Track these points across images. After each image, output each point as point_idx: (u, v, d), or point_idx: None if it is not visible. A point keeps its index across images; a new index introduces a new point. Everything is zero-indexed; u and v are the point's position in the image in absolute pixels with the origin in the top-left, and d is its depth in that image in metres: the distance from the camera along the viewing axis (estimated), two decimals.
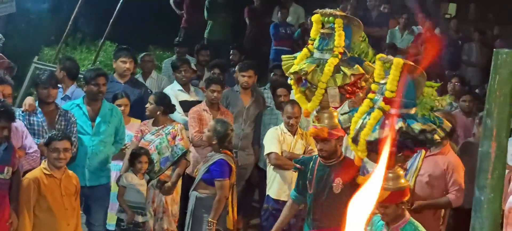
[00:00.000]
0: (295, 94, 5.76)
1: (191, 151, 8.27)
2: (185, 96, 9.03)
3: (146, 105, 8.05)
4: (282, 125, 8.09)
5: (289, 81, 5.90)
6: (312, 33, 5.69)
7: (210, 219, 7.36)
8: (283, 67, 5.84)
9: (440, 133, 4.71)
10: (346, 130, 5.01)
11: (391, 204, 5.01)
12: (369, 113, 4.78)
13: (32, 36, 15.07)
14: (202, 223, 7.46)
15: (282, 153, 7.96)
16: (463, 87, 10.01)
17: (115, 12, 13.06)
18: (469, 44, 14.17)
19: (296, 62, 5.66)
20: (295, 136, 8.05)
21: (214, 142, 7.53)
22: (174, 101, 8.80)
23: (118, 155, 8.03)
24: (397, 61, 4.70)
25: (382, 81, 4.81)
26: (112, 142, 7.76)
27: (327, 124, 5.91)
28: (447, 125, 4.78)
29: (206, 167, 7.51)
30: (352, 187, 6.00)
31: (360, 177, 5.29)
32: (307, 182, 6.45)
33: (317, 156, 6.45)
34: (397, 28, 14.15)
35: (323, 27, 5.66)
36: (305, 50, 5.71)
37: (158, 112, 7.93)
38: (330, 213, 6.23)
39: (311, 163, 6.45)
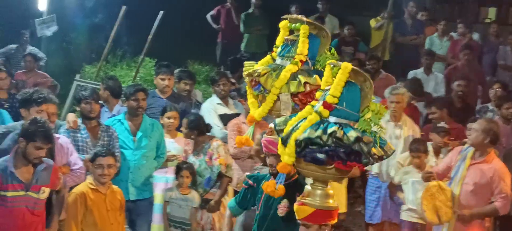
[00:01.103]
0: (248, 99, 5.26)
1: (234, 164, 8.33)
2: (224, 110, 9.08)
3: (181, 128, 8.15)
4: None
5: (246, 86, 5.37)
6: (278, 40, 5.26)
7: None
8: (244, 73, 5.34)
9: (379, 151, 4.27)
10: (279, 132, 4.57)
11: (313, 224, 4.53)
12: (306, 118, 4.41)
13: (74, 55, 15.29)
14: None
15: None
16: (505, 93, 9.89)
17: (154, 28, 13.18)
18: (504, 48, 14.00)
19: (256, 67, 5.20)
20: None
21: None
22: (213, 115, 8.87)
23: (161, 167, 8.11)
24: (345, 65, 4.30)
25: (327, 88, 4.43)
26: (154, 156, 7.84)
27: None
28: (390, 148, 4.33)
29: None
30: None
31: (266, 182, 4.78)
32: (257, 201, 6.07)
33: (270, 174, 5.97)
34: (436, 35, 14.07)
35: (291, 33, 5.23)
36: (268, 57, 5.31)
37: (192, 136, 8.01)
38: None
39: (264, 180, 5.88)
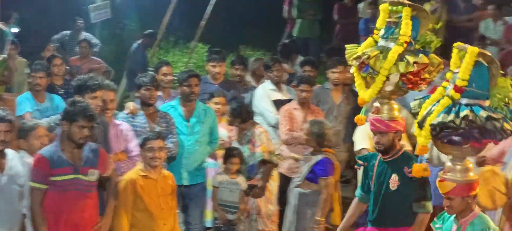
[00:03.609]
0: (356, 81, 5.58)
1: (283, 150, 8.36)
2: (278, 95, 9.07)
3: (225, 115, 8.20)
4: None
5: (351, 70, 5.70)
6: (378, 22, 5.55)
7: (318, 218, 7.45)
8: (346, 56, 5.67)
9: (511, 125, 4.59)
10: (415, 115, 4.93)
11: (456, 196, 4.93)
12: (439, 101, 4.73)
13: (127, 41, 15.45)
14: (306, 218, 7.55)
15: (374, 148, 7.92)
16: None
17: (206, 14, 13.24)
18: None
19: (360, 50, 5.52)
20: None
21: (313, 144, 7.62)
22: (266, 101, 8.90)
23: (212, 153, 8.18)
24: (472, 49, 4.62)
25: (456, 70, 4.73)
26: (207, 142, 7.88)
27: (386, 116, 5.75)
28: None
29: (309, 167, 7.60)
30: (409, 183, 5.95)
31: (415, 166, 5.04)
32: (369, 179, 6.31)
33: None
34: (490, 19, 13.84)
35: (389, 17, 5.50)
36: (369, 39, 5.58)
37: (236, 124, 8.05)
38: (387, 211, 6.13)
39: (373, 159, 6.26)
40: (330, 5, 15.15)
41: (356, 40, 14.37)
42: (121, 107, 8.45)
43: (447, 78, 4.80)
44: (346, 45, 5.77)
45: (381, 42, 5.43)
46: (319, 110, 8.69)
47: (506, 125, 4.57)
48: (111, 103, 7.08)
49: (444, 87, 4.77)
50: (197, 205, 7.85)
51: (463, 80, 4.61)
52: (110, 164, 6.53)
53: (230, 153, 7.85)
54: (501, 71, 4.76)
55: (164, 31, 13.95)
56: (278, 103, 8.89)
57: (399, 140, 6.14)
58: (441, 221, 5.26)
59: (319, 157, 7.60)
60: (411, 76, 5.33)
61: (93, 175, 6.24)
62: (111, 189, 6.54)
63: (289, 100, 8.89)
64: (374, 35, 5.53)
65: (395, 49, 5.26)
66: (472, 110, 4.56)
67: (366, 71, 5.41)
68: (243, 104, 8.24)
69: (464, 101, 4.63)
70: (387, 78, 5.32)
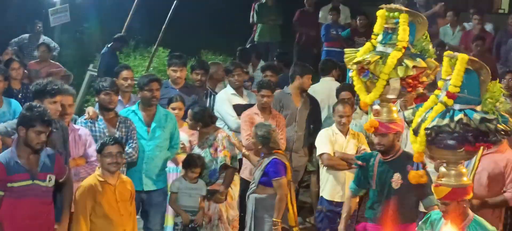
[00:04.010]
0: (355, 86, 5.76)
1: (246, 154, 8.38)
2: (238, 100, 9.10)
3: (186, 120, 8.17)
4: (334, 126, 8.11)
5: (350, 74, 5.92)
6: (376, 27, 5.72)
7: (274, 219, 7.48)
8: (345, 60, 5.87)
9: (505, 126, 4.77)
10: (409, 123, 5.11)
11: (451, 201, 5.09)
12: (432, 108, 4.90)
13: (86, 45, 15.33)
14: (264, 224, 7.58)
15: (334, 153, 7.98)
16: None
17: (167, 19, 13.19)
18: None
19: (359, 55, 5.71)
20: (347, 136, 8.07)
21: (260, 147, 7.67)
22: (227, 105, 8.90)
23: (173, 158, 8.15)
24: (462, 56, 4.79)
25: (448, 78, 4.89)
26: (167, 147, 7.85)
27: (386, 118, 5.88)
28: None
29: (261, 170, 7.63)
30: (415, 185, 6.10)
31: (412, 172, 5.30)
32: (369, 178, 6.62)
33: (377, 152, 6.61)
34: (448, 25, 14.01)
35: (386, 22, 5.69)
36: (368, 44, 5.75)
37: (198, 128, 8.04)
38: (391, 209, 6.40)
39: (372, 159, 6.60)
40: (292, 10, 15.20)
41: (317, 46, 14.50)
42: (81, 112, 8.37)
43: (439, 86, 4.99)
44: (345, 49, 5.98)
45: (379, 48, 5.62)
46: (280, 116, 8.71)
47: (500, 126, 4.75)
48: (70, 108, 7.01)
49: (436, 95, 4.95)
50: (158, 210, 7.81)
51: (455, 86, 4.78)
52: (66, 169, 6.47)
53: (191, 162, 7.82)
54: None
55: (124, 35, 13.87)
56: (238, 108, 8.90)
57: (398, 140, 6.48)
58: (429, 227, 5.44)
59: (269, 159, 7.62)
60: (410, 80, 5.49)
61: (50, 181, 6.19)
62: (67, 195, 6.48)
63: (249, 105, 8.90)
64: (372, 40, 5.71)
65: (394, 55, 5.44)
66: (466, 114, 4.73)
67: (366, 76, 5.59)
68: (205, 109, 8.22)
69: (457, 107, 4.81)
70: (387, 82, 5.50)
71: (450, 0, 14.74)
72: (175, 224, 7.94)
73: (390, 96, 5.61)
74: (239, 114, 8.82)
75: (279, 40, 15.09)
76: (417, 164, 5.21)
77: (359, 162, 6.79)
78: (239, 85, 9.26)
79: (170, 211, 8.04)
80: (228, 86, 9.34)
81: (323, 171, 8.11)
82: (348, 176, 7.97)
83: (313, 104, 9.29)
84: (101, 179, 6.61)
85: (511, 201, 6.98)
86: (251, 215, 7.74)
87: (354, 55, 5.75)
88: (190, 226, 7.78)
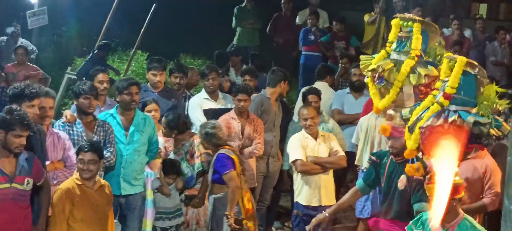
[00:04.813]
0: (370, 92, 5.97)
1: None
2: (211, 104, 9.07)
3: (161, 128, 8.16)
4: (303, 130, 8.14)
5: (365, 79, 6.12)
6: (391, 36, 5.92)
7: (226, 212, 7.47)
8: (361, 66, 6.09)
9: (496, 131, 4.94)
10: (406, 121, 5.32)
11: None
12: (429, 108, 5.09)
13: (65, 48, 15.25)
14: (224, 221, 7.56)
15: (307, 158, 8.00)
16: None
17: (146, 22, 13.17)
18: (492, 44, 14.08)
19: (374, 62, 5.92)
20: (318, 139, 8.09)
21: (206, 145, 7.67)
22: (197, 109, 8.89)
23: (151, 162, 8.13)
24: (461, 59, 4.97)
25: (446, 79, 5.08)
26: (145, 151, 7.83)
27: (398, 123, 6.10)
28: (506, 128, 4.97)
29: (211, 168, 7.62)
30: (415, 187, 6.43)
31: (407, 165, 5.64)
32: (381, 175, 6.78)
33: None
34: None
35: (400, 31, 5.89)
36: (383, 51, 5.96)
37: (173, 135, 8.05)
38: (396, 208, 6.59)
39: (386, 157, 6.78)
40: (271, 15, 15.22)
41: (296, 49, 14.52)
42: (58, 115, 8.32)
43: (436, 86, 5.18)
44: (361, 56, 6.16)
45: (394, 55, 5.80)
46: (258, 120, 8.70)
47: (492, 131, 4.92)
48: (51, 110, 6.98)
49: (434, 95, 5.14)
50: (135, 215, 7.78)
51: (452, 88, 4.97)
52: (44, 172, 6.44)
53: (169, 168, 7.85)
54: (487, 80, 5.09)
55: (103, 37, 13.82)
56: (209, 113, 8.86)
57: None
58: (421, 226, 5.54)
59: (215, 156, 7.63)
60: (422, 88, 5.65)
61: (28, 184, 6.16)
62: (44, 198, 6.46)
63: (224, 109, 8.89)
64: (387, 48, 5.90)
65: (407, 63, 5.62)
66: (460, 116, 4.90)
67: (381, 82, 5.81)
68: (179, 116, 8.21)
69: (452, 108, 4.99)
70: (401, 89, 5.69)
71: (429, 5, 14.83)
72: (154, 228, 7.93)
73: (406, 103, 5.76)
74: (210, 119, 8.78)
75: (258, 44, 15.10)
76: (412, 158, 5.48)
77: (374, 158, 6.92)
78: (214, 89, 9.26)
79: (148, 216, 8.02)
80: (202, 90, 9.34)
81: (297, 176, 8.12)
82: (324, 179, 8.01)
83: (285, 109, 9.35)
84: (79, 182, 6.59)
85: (490, 206, 7.02)
86: (211, 214, 7.72)
87: (370, 62, 5.96)
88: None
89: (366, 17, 14.36)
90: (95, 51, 12.94)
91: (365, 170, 7.63)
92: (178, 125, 7.99)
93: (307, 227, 7.04)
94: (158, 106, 8.43)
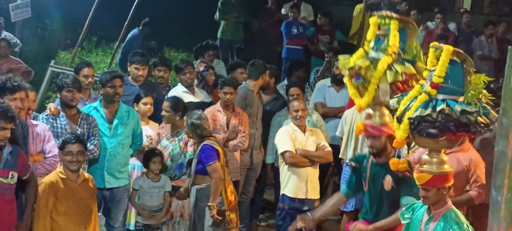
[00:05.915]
0: (349, 90, 6.00)
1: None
2: (190, 98, 9.05)
3: (162, 113, 8.13)
4: (291, 123, 8.13)
5: (344, 79, 6.13)
6: (369, 34, 5.94)
7: (209, 203, 7.45)
8: (339, 65, 6.11)
9: (484, 119, 4.98)
10: (394, 111, 5.34)
11: (432, 187, 5.24)
12: (417, 97, 5.12)
13: (48, 41, 15.15)
14: (206, 212, 7.54)
15: (295, 151, 7.99)
16: None
17: (130, 15, 13.11)
18: (479, 38, 14.13)
19: (352, 60, 5.94)
20: (306, 133, 8.09)
21: (191, 135, 7.65)
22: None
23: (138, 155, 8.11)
24: (447, 48, 4.99)
25: (433, 68, 5.10)
26: (130, 144, 7.81)
27: (378, 121, 6.10)
28: (494, 115, 5.01)
29: (196, 159, 7.60)
30: (402, 184, 6.30)
31: (392, 159, 5.71)
32: (363, 179, 6.63)
33: (369, 154, 6.62)
34: None
35: (379, 29, 5.91)
36: (361, 50, 5.98)
37: (177, 118, 8.02)
38: (383, 210, 6.46)
39: (365, 160, 6.62)
40: (255, 8, 15.20)
41: (279, 42, 14.50)
42: (42, 108, 8.28)
43: (423, 76, 5.21)
44: (339, 55, 6.20)
45: (372, 53, 5.82)
46: (243, 113, 8.69)
47: (479, 119, 4.96)
48: (33, 103, 6.94)
49: (421, 85, 5.15)
50: (120, 208, 7.76)
51: (439, 77, 4.98)
52: (30, 166, 6.40)
53: (150, 154, 7.83)
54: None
55: (86, 31, 13.76)
56: (192, 106, 8.82)
57: (391, 143, 6.39)
58: (411, 212, 5.57)
59: (200, 146, 7.61)
60: (400, 85, 5.72)
61: (12, 178, 6.10)
62: (31, 192, 6.40)
63: (202, 103, 8.91)
64: (365, 46, 5.92)
65: (384, 60, 5.66)
66: (448, 105, 4.94)
67: (357, 80, 5.84)
68: (179, 98, 8.27)
69: (440, 97, 5.02)
70: (378, 86, 5.72)
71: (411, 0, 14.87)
72: (137, 222, 7.91)
73: (382, 99, 5.80)
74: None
75: (242, 38, 15.08)
76: (397, 152, 5.58)
77: (353, 163, 6.73)
78: (191, 83, 9.26)
79: (133, 208, 8.00)
80: (179, 84, 9.32)
81: (284, 168, 8.10)
82: (310, 172, 8.00)
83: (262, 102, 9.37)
84: (63, 176, 6.54)
85: (477, 199, 7.04)
86: (193, 206, 7.69)
87: (348, 62, 5.98)
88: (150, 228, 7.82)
89: (358, 8, 14.34)
90: (141, 28, 12.99)
91: (348, 169, 7.50)
92: (181, 108, 8.02)
93: (289, 228, 6.95)
94: (152, 100, 8.41)
